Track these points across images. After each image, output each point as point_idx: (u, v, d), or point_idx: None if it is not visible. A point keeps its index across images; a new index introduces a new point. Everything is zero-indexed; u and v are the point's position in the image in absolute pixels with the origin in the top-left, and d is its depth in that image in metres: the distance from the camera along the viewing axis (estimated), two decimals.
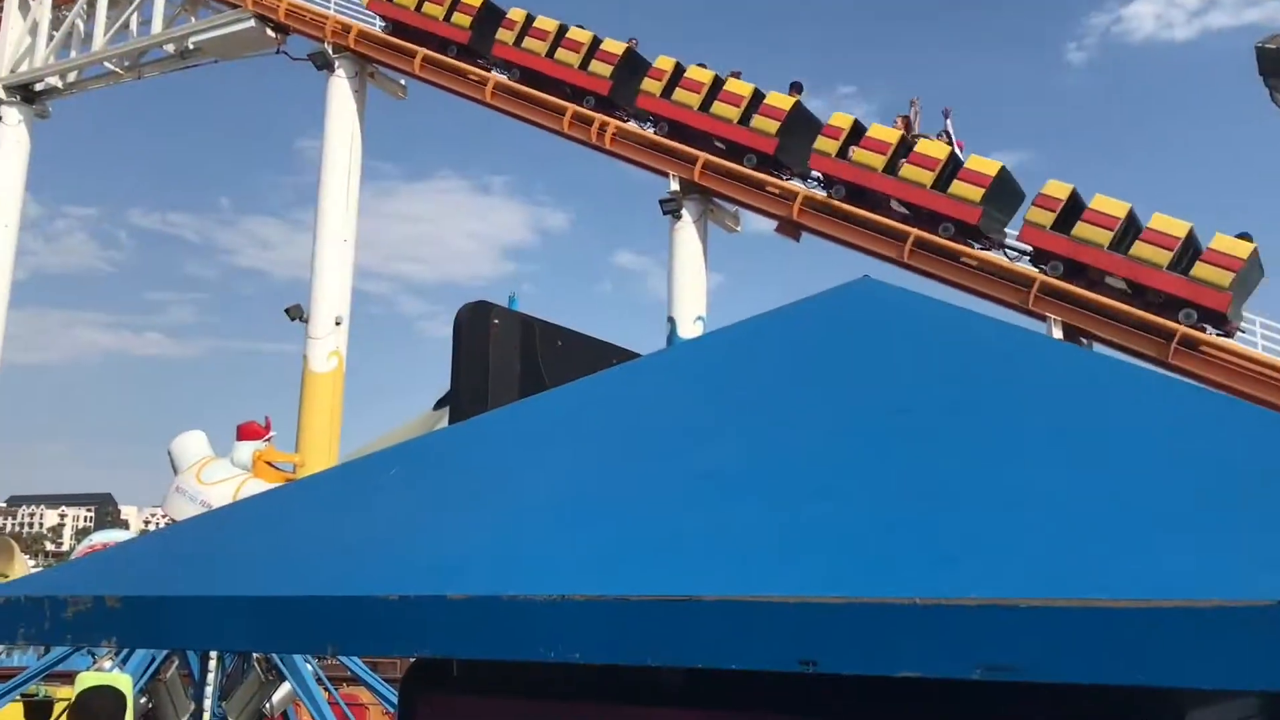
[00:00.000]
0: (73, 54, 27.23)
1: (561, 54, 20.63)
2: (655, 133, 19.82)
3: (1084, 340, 16.39)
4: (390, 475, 2.28)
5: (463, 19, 21.64)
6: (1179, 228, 16.33)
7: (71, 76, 27.48)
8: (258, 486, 12.55)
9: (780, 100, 19.14)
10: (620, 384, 2.58)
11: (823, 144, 18.45)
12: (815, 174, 18.91)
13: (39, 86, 27.50)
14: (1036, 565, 1.22)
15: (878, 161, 17.92)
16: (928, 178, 17.55)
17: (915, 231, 17.70)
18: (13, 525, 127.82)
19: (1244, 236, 16.46)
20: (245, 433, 13.20)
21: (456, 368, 3.39)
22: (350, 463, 2.91)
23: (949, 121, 18.75)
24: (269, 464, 13.25)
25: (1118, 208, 16.67)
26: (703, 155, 19.53)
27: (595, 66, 20.29)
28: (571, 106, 20.55)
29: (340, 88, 22.55)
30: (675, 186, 19.69)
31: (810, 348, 2.30)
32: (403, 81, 23.51)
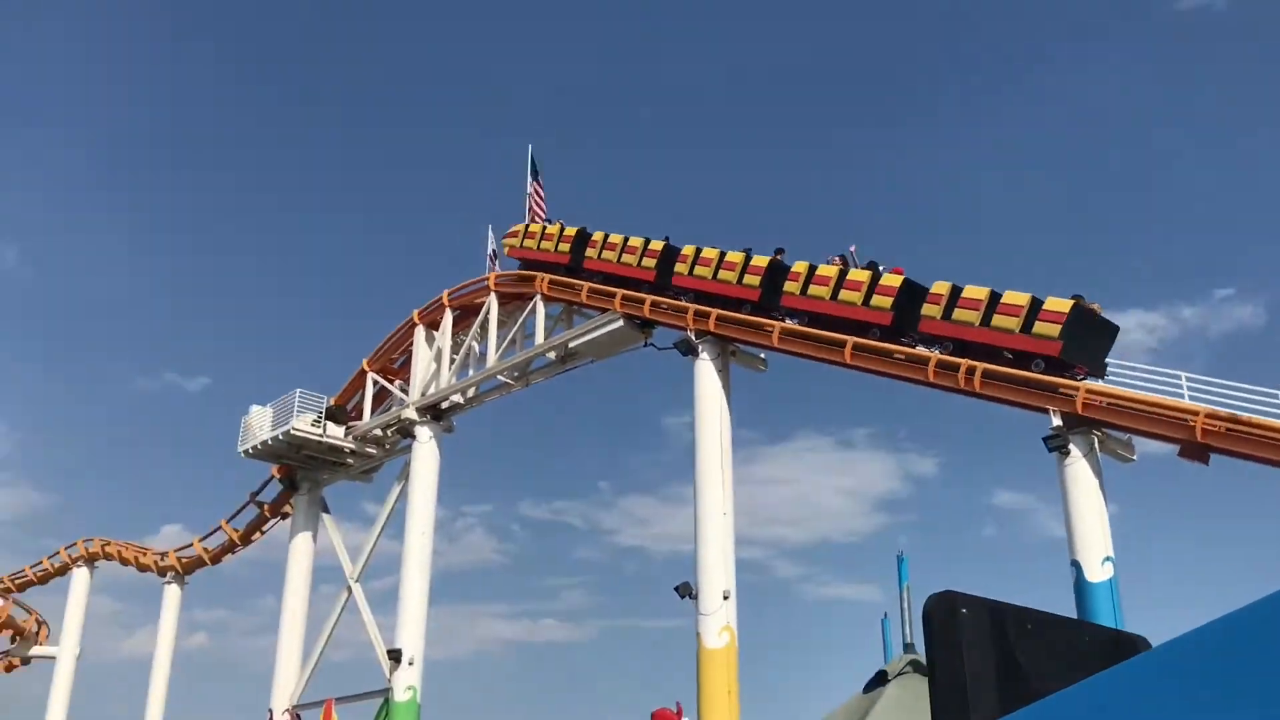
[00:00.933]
0: (470, 373, 30.44)
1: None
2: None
3: None
4: None
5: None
6: (1023, 299, 19.76)
7: (470, 392, 30.60)
8: None
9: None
10: (1125, 688, 2.35)
11: (790, 287, 23.13)
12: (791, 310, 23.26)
13: (444, 405, 30.79)
14: None
15: (825, 292, 22.46)
16: (857, 297, 21.96)
17: None
18: None
19: (1075, 298, 19.62)
20: (660, 719, 13.31)
21: (933, 665, 3.25)
22: None
23: (854, 253, 23.22)
24: None
25: (980, 292, 20.29)
26: (1082, 385, 18.70)
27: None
28: (935, 355, 20.45)
29: (706, 369, 23.65)
30: (1057, 421, 18.82)
31: None
32: (762, 355, 24.41)
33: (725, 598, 22.06)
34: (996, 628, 3.29)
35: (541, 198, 31.20)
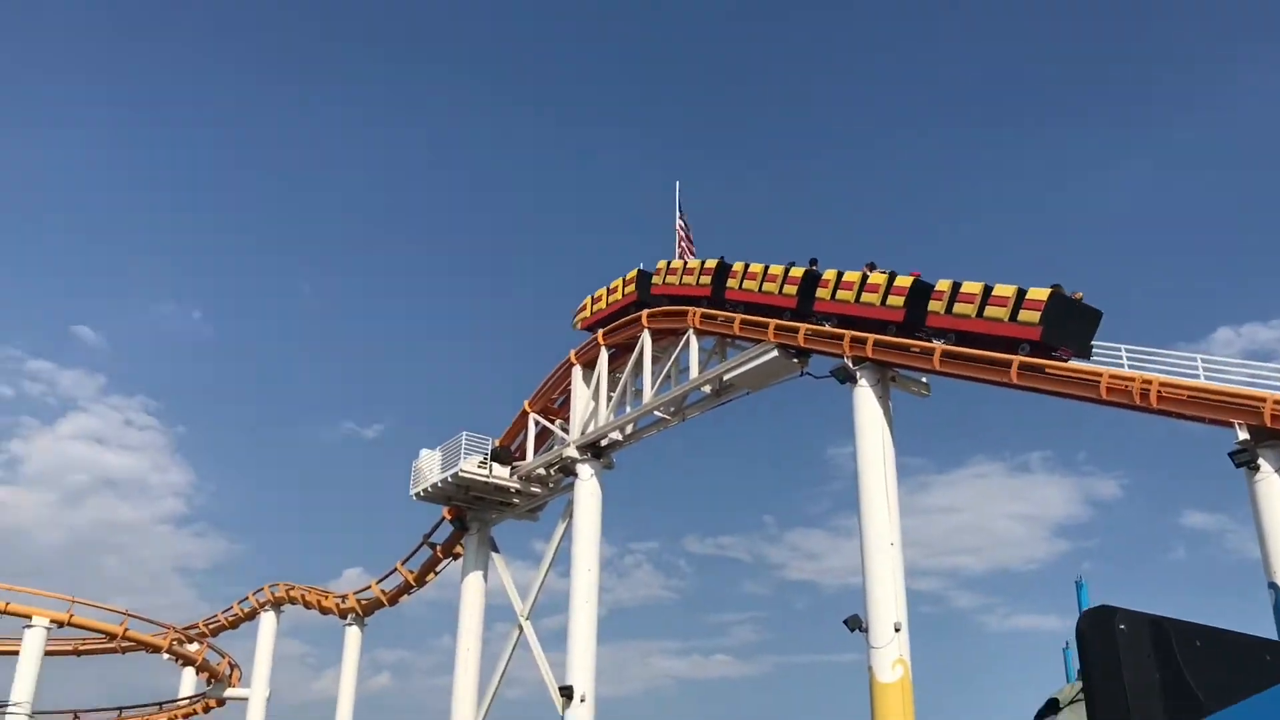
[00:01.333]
0: (628, 409, 30.60)
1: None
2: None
3: None
4: None
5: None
6: (1010, 290, 21.46)
7: (629, 429, 30.74)
8: None
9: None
10: None
11: (821, 293, 25.08)
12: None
13: (604, 442, 31.03)
14: None
15: (850, 295, 24.33)
16: (875, 298, 23.78)
17: None
18: None
19: (1054, 286, 21.16)
20: None
21: (1089, 685, 3.03)
22: None
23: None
24: None
25: (976, 287, 22.05)
26: (1270, 396, 17.57)
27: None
28: (1106, 370, 19.58)
29: (865, 396, 23.14)
30: (1244, 435, 17.70)
31: None
32: (924, 379, 23.79)
33: (897, 630, 21.43)
34: (1160, 644, 3.05)
35: (687, 235, 31.34)
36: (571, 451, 31.32)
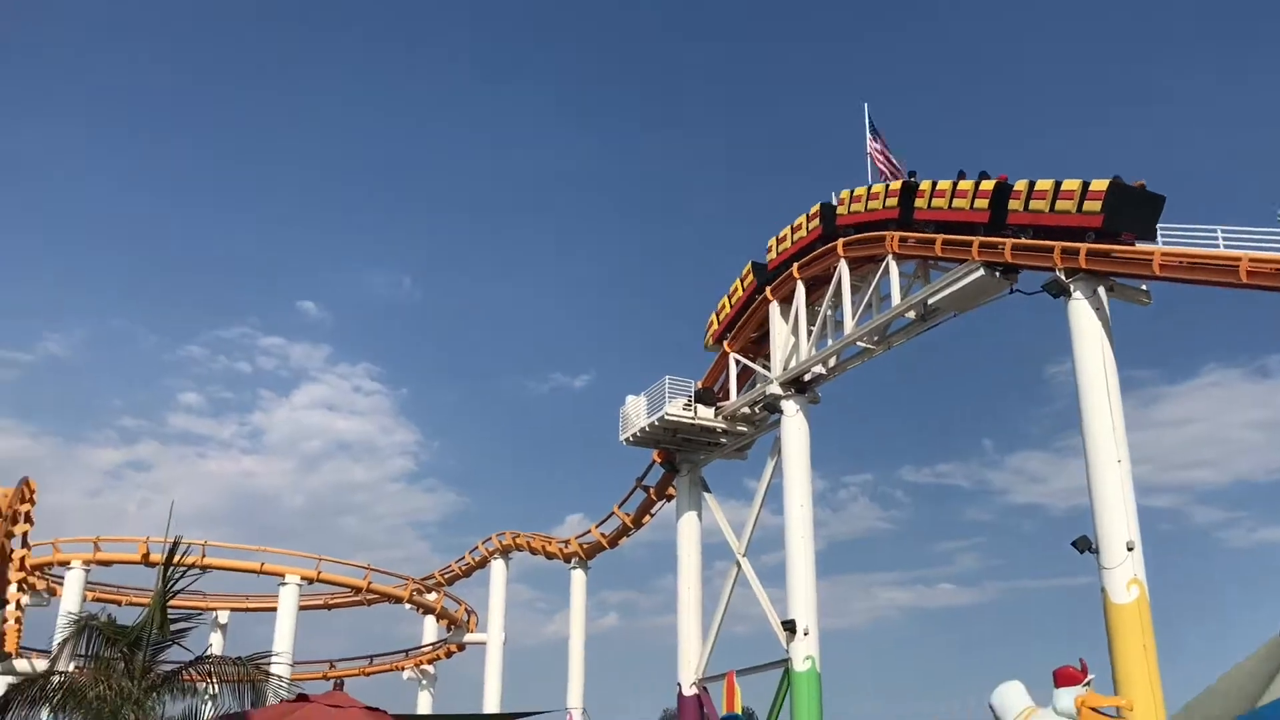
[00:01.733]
0: (829, 342, 30.21)
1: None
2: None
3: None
4: None
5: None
6: (1076, 184, 22.67)
7: (831, 362, 30.34)
8: None
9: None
10: None
11: (919, 202, 27.00)
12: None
13: (807, 377, 30.78)
14: None
15: (944, 202, 25.99)
16: (965, 203, 25.36)
17: None
18: None
19: (1114, 178, 22.20)
20: (1063, 678, 12.68)
21: None
22: None
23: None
24: (1094, 710, 12.52)
25: (1048, 184, 23.25)
26: None
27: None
28: None
29: (1081, 309, 22.09)
30: None
31: None
32: (1144, 286, 22.55)
33: (1129, 549, 20.61)
34: None
35: (888, 155, 30.47)
36: (775, 389, 31.23)
